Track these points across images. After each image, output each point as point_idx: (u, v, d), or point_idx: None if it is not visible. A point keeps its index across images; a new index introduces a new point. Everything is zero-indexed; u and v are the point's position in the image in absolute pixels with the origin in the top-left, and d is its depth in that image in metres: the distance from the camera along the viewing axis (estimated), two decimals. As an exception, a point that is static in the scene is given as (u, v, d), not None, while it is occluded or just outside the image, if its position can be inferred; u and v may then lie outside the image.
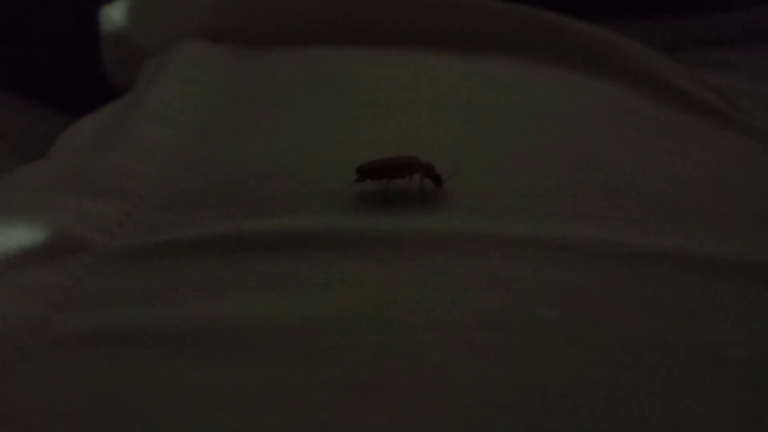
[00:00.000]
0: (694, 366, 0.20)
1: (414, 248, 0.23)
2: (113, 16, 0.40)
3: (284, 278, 0.23)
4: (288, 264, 0.23)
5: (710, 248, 0.24)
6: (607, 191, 0.26)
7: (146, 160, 0.29)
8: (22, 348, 0.21)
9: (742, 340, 0.21)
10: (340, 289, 0.22)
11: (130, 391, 0.20)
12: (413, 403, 0.19)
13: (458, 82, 0.33)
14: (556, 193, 0.26)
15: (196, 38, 0.38)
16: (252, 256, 0.23)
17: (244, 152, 0.29)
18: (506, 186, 0.26)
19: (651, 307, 0.22)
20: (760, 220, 0.26)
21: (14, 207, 0.25)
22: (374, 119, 0.30)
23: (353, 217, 0.25)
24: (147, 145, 0.29)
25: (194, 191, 0.27)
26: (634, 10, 0.46)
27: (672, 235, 0.24)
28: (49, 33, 0.48)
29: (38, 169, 0.29)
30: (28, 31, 0.46)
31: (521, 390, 0.19)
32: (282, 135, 0.30)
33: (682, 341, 0.21)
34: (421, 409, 0.19)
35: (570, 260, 0.23)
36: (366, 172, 0.26)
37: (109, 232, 0.25)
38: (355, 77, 0.33)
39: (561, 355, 0.20)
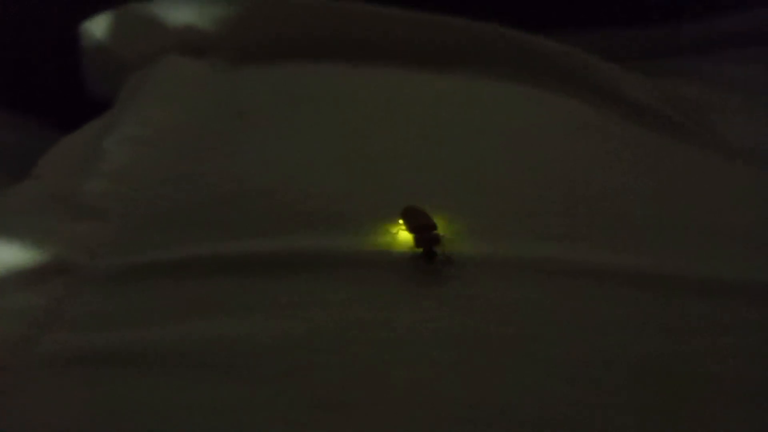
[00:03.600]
0: (647, 379, 0.21)
1: (382, 269, 0.25)
2: (94, 30, 0.41)
3: (259, 300, 0.24)
4: (263, 286, 0.24)
5: (663, 265, 0.25)
6: (566, 209, 0.27)
7: (127, 181, 0.29)
8: (5, 368, 0.22)
9: (695, 354, 0.22)
10: (311, 309, 0.23)
11: (109, 409, 0.21)
12: (376, 419, 0.20)
13: (424, 101, 0.34)
14: (514, 213, 0.27)
15: (177, 53, 0.38)
16: (228, 278, 0.24)
17: (224, 172, 0.29)
18: (465, 206, 0.27)
19: (605, 323, 0.23)
20: (716, 235, 0.27)
21: None
22: (350, 139, 0.31)
23: (326, 239, 0.26)
24: (128, 166, 0.30)
25: (174, 212, 0.28)
26: (612, 19, 0.47)
27: (627, 252, 0.26)
28: (31, 47, 0.48)
29: (21, 192, 0.29)
30: (9, 46, 0.47)
31: (482, 406, 0.20)
32: (260, 154, 0.31)
33: (636, 356, 0.22)
34: (383, 426, 0.20)
35: (529, 279, 0.24)
36: (402, 215, 0.26)
37: (92, 253, 0.26)
38: (333, 96, 0.34)
39: (522, 372, 0.21)
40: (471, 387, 0.21)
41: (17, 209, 0.28)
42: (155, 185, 0.29)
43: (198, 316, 0.23)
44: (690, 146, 0.33)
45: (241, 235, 0.26)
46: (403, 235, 0.26)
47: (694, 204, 0.29)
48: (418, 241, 0.25)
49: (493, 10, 0.38)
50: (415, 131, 0.32)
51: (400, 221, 0.26)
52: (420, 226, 0.26)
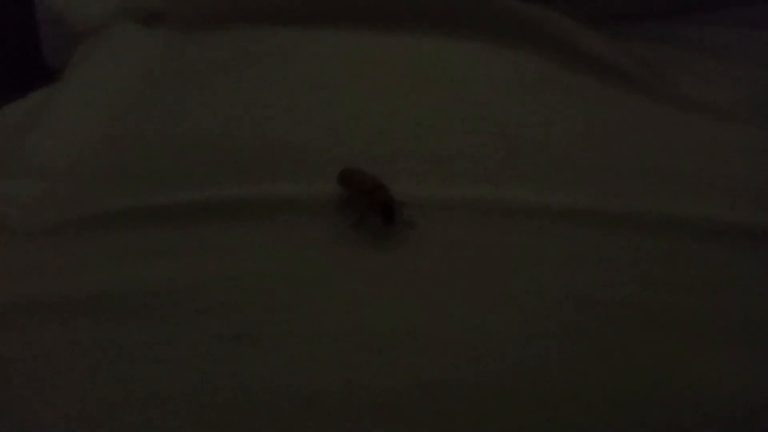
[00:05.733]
0: (563, 309, 0.22)
1: (309, 212, 0.25)
2: (50, 1, 0.41)
3: (187, 246, 0.24)
4: (193, 233, 0.25)
5: (592, 201, 0.26)
6: (507, 153, 0.28)
7: (70, 140, 0.30)
8: None
9: (615, 284, 0.23)
10: (239, 252, 0.24)
11: (36, 354, 0.21)
12: (291, 350, 0.21)
13: (378, 57, 0.34)
14: (458, 157, 0.28)
15: (130, 21, 0.38)
16: (160, 226, 0.25)
17: (164, 130, 0.30)
18: (410, 151, 0.28)
19: (530, 257, 0.24)
20: (649, 175, 0.27)
21: None
22: (291, 93, 0.31)
23: (257, 187, 0.26)
24: (71, 126, 0.30)
25: (113, 169, 0.28)
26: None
27: (562, 190, 0.26)
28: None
29: None
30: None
31: (393, 333, 0.21)
32: (202, 111, 0.31)
33: (556, 287, 0.23)
34: (297, 356, 0.21)
35: (455, 217, 0.25)
36: (340, 178, 0.26)
37: (31, 209, 0.26)
38: (276, 56, 0.34)
39: (434, 302, 0.22)
40: (386, 317, 0.22)
41: None
42: (97, 144, 0.29)
43: (125, 264, 0.24)
44: (646, 98, 0.33)
45: (177, 186, 0.26)
46: (350, 200, 0.26)
47: (640, 148, 0.29)
48: (370, 204, 0.25)
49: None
50: (365, 86, 0.32)
51: (342, 185, 0.26)
52: (369, 188, 0.25)
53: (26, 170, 0.28)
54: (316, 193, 0.26)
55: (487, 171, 0.27)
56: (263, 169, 0.27)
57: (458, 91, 0.32)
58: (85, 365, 0.21)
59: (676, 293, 0.22)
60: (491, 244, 0.24)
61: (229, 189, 0.26)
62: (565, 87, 0.33)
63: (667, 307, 0.22)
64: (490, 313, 0.21)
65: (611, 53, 0.36)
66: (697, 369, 0.20)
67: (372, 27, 0.36)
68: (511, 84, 0.33)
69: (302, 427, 0.19)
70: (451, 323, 0.21)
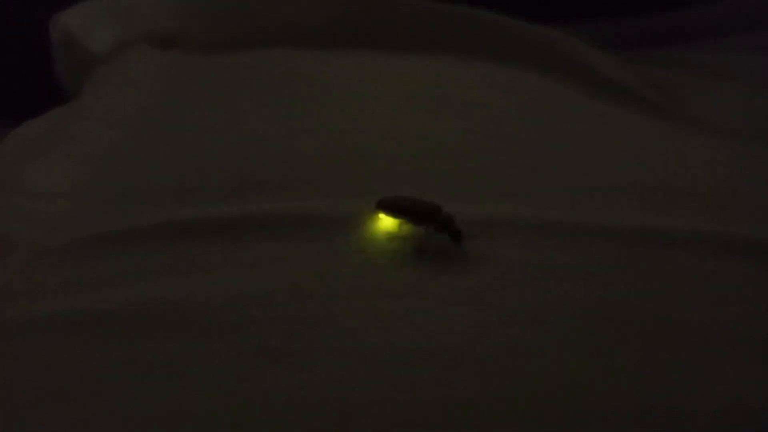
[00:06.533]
0: (586, 323, 0.22)
1: (335, 229, 0.25)
2: (64, 23, 0.41)
3: (216, 261, 0.24)
4: (217, 248, 0.24)
5: (608, 218, 0.26)
6: (528, 172, 0.28)
7: (87, 160, 0.30)
8: None
9: (628, 299, 0.23)
10: (265, 267, 0.24)
11: (58, 369, 0.21)
12: (322, 365, 0.20)
13: (397, 79, 0.35)
14: (480, 176, 0.28)
15: (145, 45, 0.39)
16: (183, 242, 0.25)
17: (182, 149, 0.30)
18: (434, 170, 0.28)
19: (550, 272, 0.24)
20: (663, 192, 0.28)
21: None
22: (309, 114, 0.32)
23: (284, 203, 0.26)
24: (88, 146, 0.30)
25: (135, 186, 0.28)
26: (605, 9, 0.47)
27: (582, 208, 0.27)
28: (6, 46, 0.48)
29: None
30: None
31: (425, 350, 0.21)
32: (220, 132, 0.31)
33: (577, 301, 0.23)
34: (329, 371, 0.20)
35: (484, 235, 0.25)
36: (385, 207, 0.26)
37: (49, 229, 0.26)
38: (293, 76, 0.35)
39: (465, 317, 0.22)
40: (417, 333, 0.21)
41: None
42: (114, 164, 0.29)
43: (149, 280, 0.24)
44: (658, 119, 0.34)
45: (198, 203, 0.26)
46: (405, 227, 0.25)
47: (652, 167, 0.29)
48: (441, 226, 0.25)
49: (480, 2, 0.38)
50: (386, 107, 0.33)
51: (384, 214, 0.26)
52: (430, 210, 0.25)
53: (45, 189, 0.28)
54: (343, 209, 0.26)
55: (508, 189, 0.27)
56: (289, 186, 0.27)
57: (476, 111, 0.32)
58: (111, 382, 0.20)
59: (685, 304, 0.23)
60: (510, 260, 0.24)
61: (255, 205, 0.26)
62: (580, 107, 0.34)
63: (674, 318, 0.22)
64: (522, 329, 0.21)
65: (624, 75, 0.36)
66: (692, 376, 0.21)
67: (390, 49, 0.36)
68: (528, 105, 0.34)
69: None
70: (484, 338, 0.21)
